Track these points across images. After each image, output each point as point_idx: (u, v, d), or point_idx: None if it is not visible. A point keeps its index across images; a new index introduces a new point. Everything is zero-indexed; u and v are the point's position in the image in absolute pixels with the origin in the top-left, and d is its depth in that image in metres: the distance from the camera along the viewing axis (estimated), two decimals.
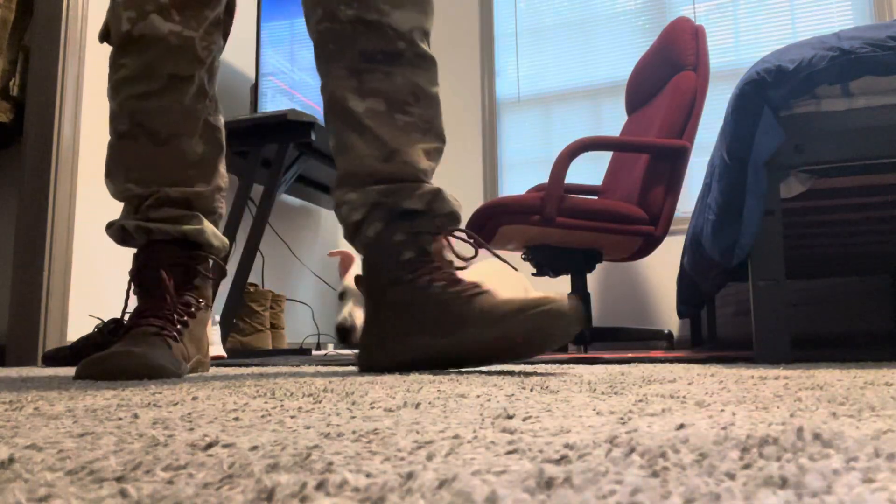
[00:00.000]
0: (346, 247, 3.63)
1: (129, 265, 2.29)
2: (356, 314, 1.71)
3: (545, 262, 2.41)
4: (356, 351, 1.81)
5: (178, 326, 1.04)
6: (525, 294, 2.16)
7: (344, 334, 1.68)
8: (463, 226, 3.53)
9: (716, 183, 1.27)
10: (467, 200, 3.65)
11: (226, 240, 1.19)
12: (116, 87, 1.12)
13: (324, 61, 1.09)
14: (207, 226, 1.15)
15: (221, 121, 1.21)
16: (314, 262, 3.34)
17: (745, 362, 1.20)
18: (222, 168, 1.20)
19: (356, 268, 1.84)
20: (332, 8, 1.06)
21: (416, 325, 0.96)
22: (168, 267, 1.08)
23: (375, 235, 1.03)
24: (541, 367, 1.11)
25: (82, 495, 0.21)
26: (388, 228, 1.02)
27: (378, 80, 1.05)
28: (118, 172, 1.13)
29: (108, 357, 0.90)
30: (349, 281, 1.78)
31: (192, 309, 1.08)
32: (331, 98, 1.09)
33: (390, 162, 1.03)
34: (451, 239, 1.07)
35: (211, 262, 1.15)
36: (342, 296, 1.78)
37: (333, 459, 0.27)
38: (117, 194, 1.15)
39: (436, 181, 3.74)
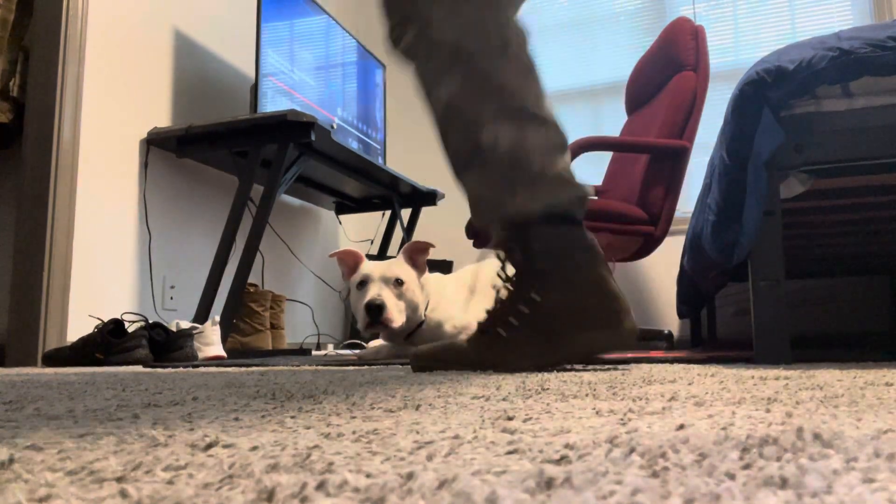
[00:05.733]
0: (346, 247, 3.63)
1: (127, 266, 2.29)
2: (384, 293, 1.72)
3: None
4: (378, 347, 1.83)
5: (509, 318, 1.05)
6: None
7: (377, 312, 1.69)
8: (462, 227, 3.53)
9: (716, 183, 1.26)
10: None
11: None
12: None
13: None
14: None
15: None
16: (314, 263, 3.34)
17: (745, 362, 1.20)
18: None
19: (364, 264, 1.84)
20: None
21: None
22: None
23: None
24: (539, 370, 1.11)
25: (82, 495, 0.21)
26: None
27: None
28: None
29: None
30: (367, 268, 1.79)
31: (520, 307, 1.05)
32: None
33: None
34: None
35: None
36: (362, 284, 1.77)
37: (333, 460, 0.27)
38: None
39: (435, 183, 3.76)
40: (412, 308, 1.77)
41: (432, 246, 1.87)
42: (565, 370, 1.03)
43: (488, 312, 1.08)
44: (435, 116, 1.11)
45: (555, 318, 1.04)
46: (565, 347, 1.03)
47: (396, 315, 1.72)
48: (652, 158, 2.28)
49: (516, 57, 1.07)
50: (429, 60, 1.08)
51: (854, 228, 1.66)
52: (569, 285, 1.05)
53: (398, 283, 1.75)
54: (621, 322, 1.06)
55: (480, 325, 1.08)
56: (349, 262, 1.87)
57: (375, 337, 1.95)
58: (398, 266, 1.79)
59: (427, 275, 1.89)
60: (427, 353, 1.08)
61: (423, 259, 1.86)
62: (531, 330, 1.04)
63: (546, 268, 1.06)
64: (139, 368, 1.51)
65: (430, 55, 1.07)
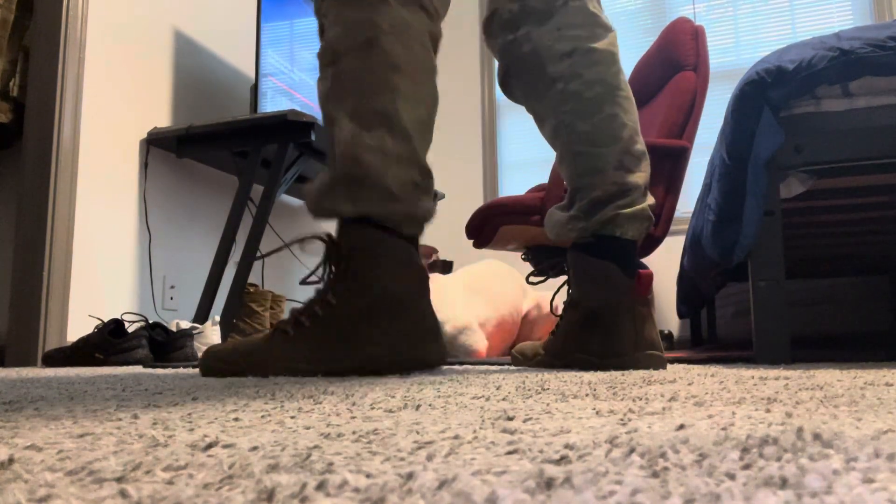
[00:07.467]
0: None
1: (127, 266, 2.29)
2: None
3: (545, 262, 2.41)
4: None
5: (302, 318, 0.99)
6: (523, 295, 2.15)
7: None
8: (462, 227, 3.51)
9: (716, 183, 1.26)
10: (467, 200, 3.65)
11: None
12: None
13: None
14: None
15: None
16: (314, 263, 3.34)
17: (745, 362, 1.20)
18: None
19: None
20: None
21: None
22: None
23: None
24: (542, 369, 1.11)
25: (82, 496, 0.21)
26: None
27: None
28: None
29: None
30: None
31: (316, 307, 0.99)
32: None
33: None
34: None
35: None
36: None
37: (333, 460, 0.27)
38: None
39: (435, 183, 3.74)
40: None
41: (435, 251, 1.87)
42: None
43: (291, 310, 1.02)
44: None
45: (344, 325, 0.97)
46: (349, 358, 0.96)
47: None
48: (652, 158, 2.28)
49: (385, 53, 1.02)
50: (322, 67, 1.08)
51: (854, 228, 1.66)
52: (366, 293, 0.98)
53: None
54: (417, 345, 0.98)
55: (278, 322, 1.03)
56: None
57: None
58: None
59: None
60: (220, 353, 0.99)
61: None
62: (320, 332, 0.97)
63: (349, 270, 0.99)
64: (139, 368, 1.51)
65: (323, 61, 1.07)
